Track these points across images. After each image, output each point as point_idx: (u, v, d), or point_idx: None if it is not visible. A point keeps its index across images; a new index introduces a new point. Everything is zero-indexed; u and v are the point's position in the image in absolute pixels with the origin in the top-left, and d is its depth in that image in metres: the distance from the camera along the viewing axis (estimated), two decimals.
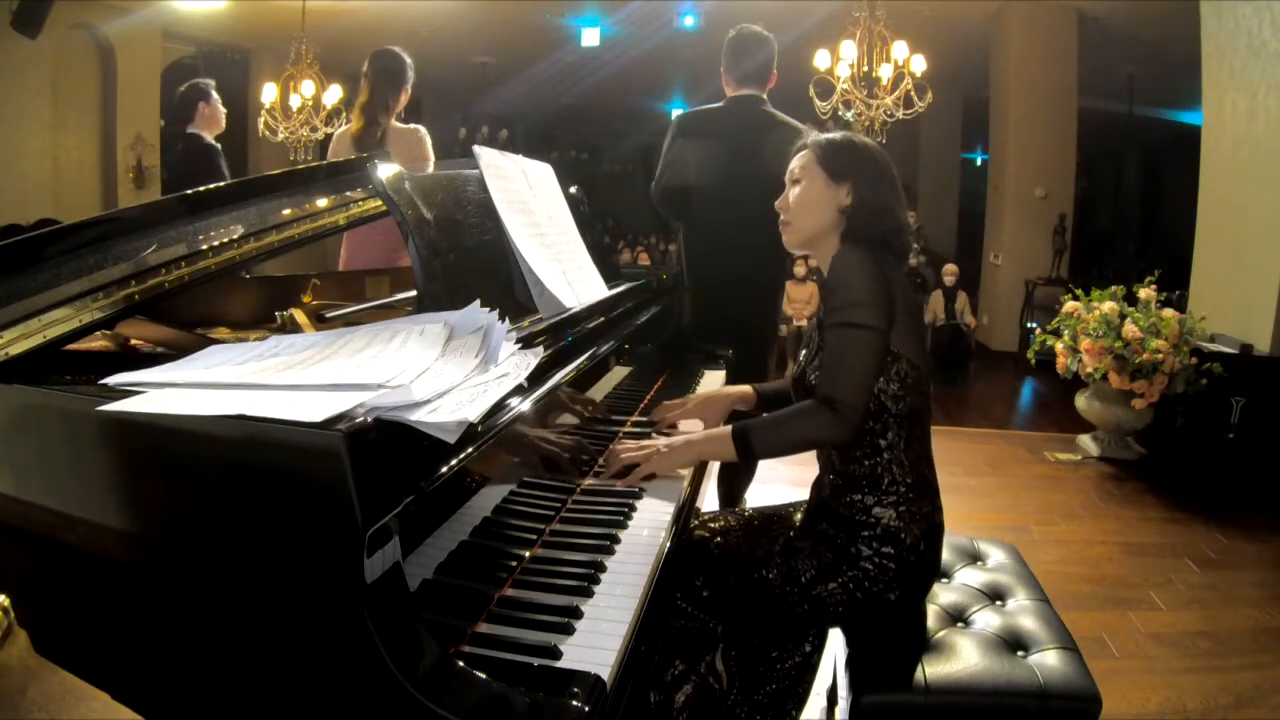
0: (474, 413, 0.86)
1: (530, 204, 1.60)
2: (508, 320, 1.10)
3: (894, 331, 1.30)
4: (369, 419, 0.78)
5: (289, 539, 0.79)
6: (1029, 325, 7.03)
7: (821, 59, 5.10)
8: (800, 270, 6.61)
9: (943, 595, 1.48)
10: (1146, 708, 2.03)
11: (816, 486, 1.47)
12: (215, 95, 3.64)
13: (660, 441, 1.40)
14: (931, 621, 1.40)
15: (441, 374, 0.92)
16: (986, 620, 1.41)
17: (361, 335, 1.05)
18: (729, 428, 1.36)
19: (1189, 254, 4.77)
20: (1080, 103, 7.30)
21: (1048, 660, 1.30)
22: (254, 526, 0.81)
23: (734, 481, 2.77)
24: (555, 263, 1.57)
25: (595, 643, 0.91)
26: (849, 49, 5.12)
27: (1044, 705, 1.23)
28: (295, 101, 6.46)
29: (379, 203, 1.48)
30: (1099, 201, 12.56)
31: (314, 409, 0.77)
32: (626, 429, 1.62)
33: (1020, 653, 1.34)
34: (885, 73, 5.16)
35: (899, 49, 5.12)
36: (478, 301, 1.12)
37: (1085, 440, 4.33)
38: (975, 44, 7.65)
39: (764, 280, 2.71)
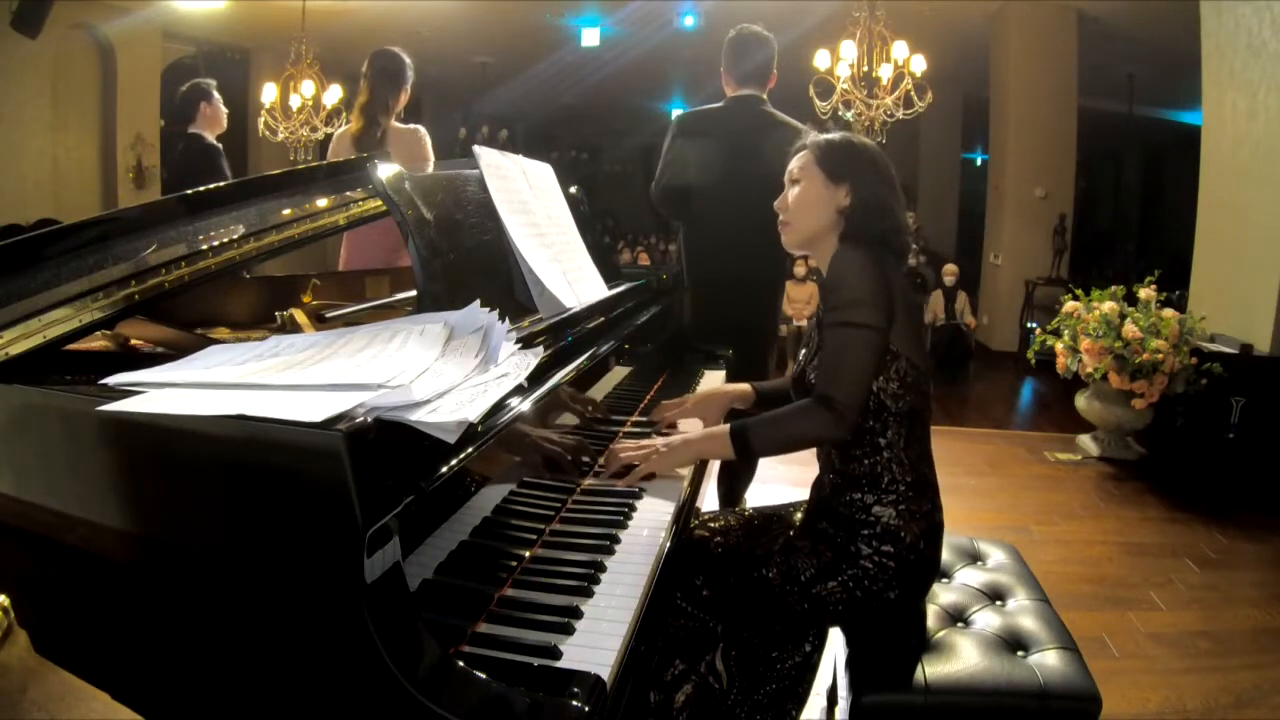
0: (474, 413, 0.86)
1: (530, 204, 1.60)
2: (508, 320, 1.10)
3: (893, 331, 1.30)
4: (369, 419, 0.78)
5: (289, 539, 0.79)
6: (1029, 325, 7.03)
7: (821, 59, 5.10)
8: (800, 270, 6.61)
9: (943, 595, 1.48)
10: (1146, 708, 2.03)
11: (816, 486, 1.47)
12: (217, 95, 3.63)
13: (659, 441, 1.40)
14: (931, 621, 1.40)
15: (441, 374, 0.92)
16: (986, 620, 1.41)
17: (361, 335, 1.05)
18: (727, 426, 1.36)
19: (1189, 254, 4.77)
20: (1080, 103, 7.30)
21: (1048, 660, 1.30)
22: (254, 526, 0.81)
23: (734, 481, 2.77)
24: (555, 263, 1.57)
25: (595, 643, 0.91)
26: (849, 49, 5.12)
27: (1044, 705, 1.23)
28: (295, 101, 6.47)
29: (379, 203, 1.48)
30: (1099, 201, 12.56)
31: (314, 409, 0.77)
32: (626, 429, 1.62)
33: (1020, 653, 1.34)
34: (885, 73, 5.17)
35: (899, 49, 5.12)
36: (478, 301, 1.12)
37: (1085, 440, 4.33)
38: (975, 44, 7.64)
39: (764, 280, 2.71)
